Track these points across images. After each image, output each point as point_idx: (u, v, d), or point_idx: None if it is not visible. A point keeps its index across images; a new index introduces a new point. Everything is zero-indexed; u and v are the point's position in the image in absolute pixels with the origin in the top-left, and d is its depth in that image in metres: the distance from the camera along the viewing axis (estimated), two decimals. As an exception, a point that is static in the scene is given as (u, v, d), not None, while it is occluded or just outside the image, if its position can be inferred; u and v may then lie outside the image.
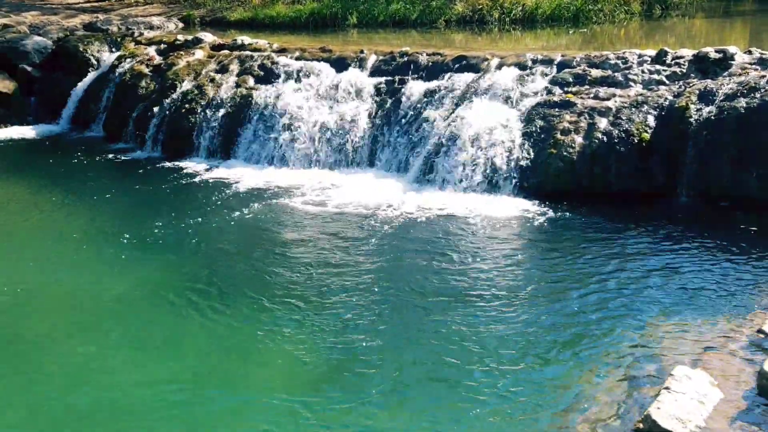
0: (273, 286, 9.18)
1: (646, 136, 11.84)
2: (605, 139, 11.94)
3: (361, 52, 15.22)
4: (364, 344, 7.87)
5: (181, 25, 20.25)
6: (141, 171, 13.89)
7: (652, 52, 13.18)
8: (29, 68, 17.21)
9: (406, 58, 14.64)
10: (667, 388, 6.56)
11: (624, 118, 12.06)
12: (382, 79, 14.38)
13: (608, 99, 12.45)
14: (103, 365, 7.68)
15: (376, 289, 9.08)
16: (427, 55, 14.62)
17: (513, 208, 11.54)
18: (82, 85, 16.88)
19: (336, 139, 13.82)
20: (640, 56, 13.14)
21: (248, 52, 16.03)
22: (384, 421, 6.72)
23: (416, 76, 14.20)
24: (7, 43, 17.53)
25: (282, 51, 15.94)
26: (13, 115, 16.72)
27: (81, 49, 17.37)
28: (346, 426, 6.65)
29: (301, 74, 14.92)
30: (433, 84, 13.81)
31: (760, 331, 7.55)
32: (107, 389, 7.27)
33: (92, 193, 12.74)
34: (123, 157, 14.70)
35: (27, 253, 10.41)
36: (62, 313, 8.75)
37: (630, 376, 7.15)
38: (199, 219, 11.40)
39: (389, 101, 13.88)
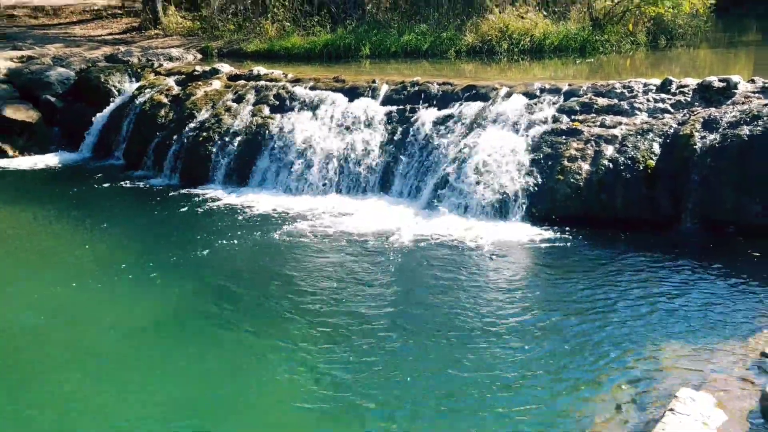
0: (284, 312, 9.18)
1: (652, 163, 11.85)
2: (611, 166, 11.96)
3: (374, 81, 15.30)
4: (372, 370, 7.88)
5: (199, 56, 20.44)
6: (159, 198, 13.97)
7: (657, 81, 13.20)
8: (52, 98, 17.38)
9: (417, 88, 14.70)
10: (671, 409, 6.56)
11: (630, 145, 12.08)
12: (394, 107, 14.44)
13: (614, 127, 12.48)
14: (118, 385, 7.73)
15: (386, 315, 9.08)
16: (438, 84, 14.67)
17: (521, 233, 11.54)
18: (103, 115, 17.00)
19: (349, 166, 13.89)
20: (645, 85, 13.16)
21: (264, 82, 16.14)
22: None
23: (427, 105, 14.24)
24: (31, 75, 17.74)
25: (297, 81, 16.04)
26: (37, 144, 16.87)
27: (102, 80, 17.54)
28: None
29: (315, 104, 15.01)
30: (443, 112, 13.86)
31: (763, 354, 7.54)
32: (122, 409, 7.33)
33: (111, 220, 12.82)
34: (142, 185, 14.78)
35: (47, 277, 10.46)
36: (80, 335, 8.78)
37: (635, 398, 7.15)
38: (215, 245, 11.46)
39: (400, 129, 13.94)
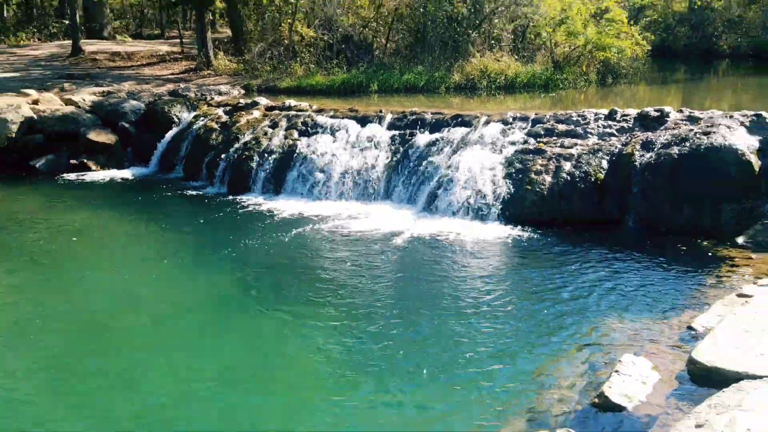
0: (309, 292, 9.22)
1: (601, 176, 11.85)
2: (569, 178, 11.96)
3: (380, 111, 15.30)
4: (379, 340, 7.90)
5: (242, 91, 20.46)
6: (210, 203, 14.00)
7: (605, 111, 13.21)
8: (127, 125, 17.42)
9: (414, 116, 14.69)
10: (617, 371, 6.56)
11: (583, 162, 12.09)
12: (396, 132, 14.43)
13: (571, 147, 12.48)
14: (179, 350, 7.77)
15: (390, 295, 9.14)
16: (431, 113, 14.67)
17: (497, 232, 11.55)
18: (166, 138, 17.00)
19: (360, 178, 13.91)
20: (596, 114, 13.18)
21: (294, 112, 16.15)
22: (394, 394, 6.76)
23: (422, 129, 14.24)
24: (110, 106, 17.79)
25: (320, 111, 16.05)
26: (115, 161, 16.93)
27: (166, 110, 17.58)
28: (365, 399, 6.69)
29: (333, 129, 15.03)
30: (435, 136, 13.84)
31: (689, 327, 7.53)
32: (181, 369, 7.36)
33: (173, 220, 12.88)
34: (197, 193, 14.81)
35: (124, 264, 10.52)
36: (150, 311, 8.84)
37: (588, 363, 7.16)
38: (255, 240, 11.49)
39: (401, 149, 13.95)
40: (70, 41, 27.14)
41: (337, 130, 14.94)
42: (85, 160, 16.69)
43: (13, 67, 23.92)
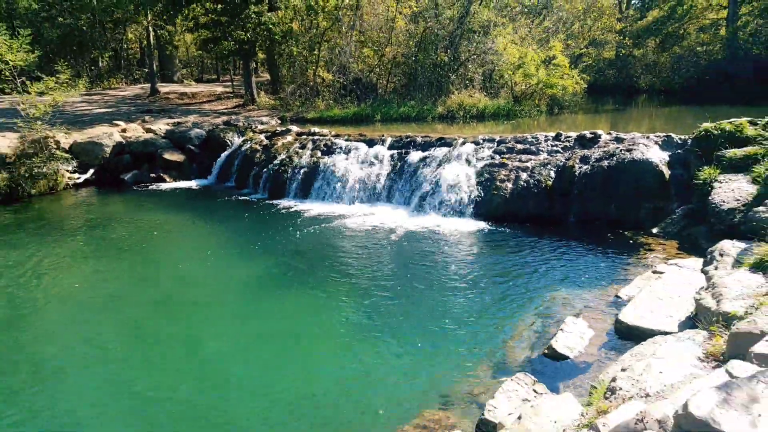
0: (329, 271, 9.24)
1: (550, 183, 11.83)
2: (526, 185, 11.95)
3: (383, 135, 15.25)
4: (382, 307, 7.92)
5: (279, 121, 20.42)
6: (255, 206, 14.01)
7: (553, 134, 13.17)
8: (192, 147, 17.46)
9: (408, 139, 14.64)
10: (561, 330, 6.57)
11: (536, 173, 12.06)
12: (395, 151, 14.40)
13: (527, 161, 12.45)
14: (232, 318, 7.80)
15: (390, 273, 9.14)
16: (421, 137, 14.61)
17: (471, 226, 11.55)
18: (222, 157, 17.05)
19: (368, 186, 13.90)
20: (545, 136, 13.13)
21: (317, 137, 16.14)
22: (394, 348, 6.77)
23: (415, 149, 14.21)
24: (179, 133, 17.84)
25: (337, 135, 16.04)
26: (183, 175, 16.98)
27: (222, 136, 17.61)
28: (371, 350, 6.69)
29: (347, 149, 15.03)
30: (425, 153, 13.80)
31: (616, 296, 7.53)
32: (233, 332, 7.37)
33: (227, 218, 12.89)
34: (245, 198, 14.82)
35: (188, 251, 10.57)
36: (209, 289, 8.86)
37: (539, 325, 7.16)
38: (288, 232, 11.50)
39: (399, 164, 13.93)
40: (149, 84, 27.18)
41: (350, 150, 14.93)
42: (161, 174, 16.73)
43: (107, 104, 23.96)
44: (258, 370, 6.40)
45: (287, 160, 15.33)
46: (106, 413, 5.69)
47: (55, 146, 15.65)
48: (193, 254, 10.43)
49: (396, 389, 5.96)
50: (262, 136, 17.19)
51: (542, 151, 12.72)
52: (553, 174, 11.95)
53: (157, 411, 5.70)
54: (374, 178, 13.92)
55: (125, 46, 34.34)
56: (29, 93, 15.87)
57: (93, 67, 31.87)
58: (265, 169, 15.44)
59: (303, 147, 15.73)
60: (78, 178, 16.03)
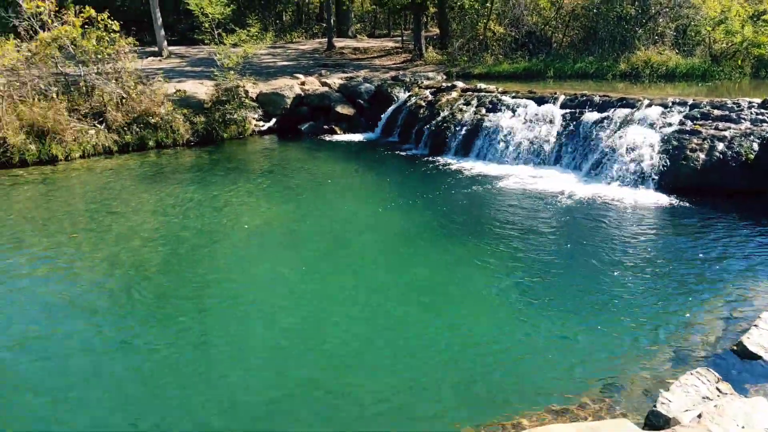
0: (484, 234, 8.88)
1: (752, 156, 10.08)
2: (722, 156, 10.33)
3: (555, 93, 14.20)
4: (541, 280, 7.40)
5: (444, 77, 20.05)
6: (416, 161, 13.98)
7: (758, 100, 11.15)
8: (361, 101, 17.86)
9: (584, 98, 13.42)
10: (756, 325, 5.67)
11: (736, 143, 10.35)
12: (567, 111, 13.29)
13: (725, 130, 10.73)
14: (378, 266, 7.83)
15: (553, 244, 8.51)
16: (599, 96, 13.31)
17: (653, 198, 10.32)
18: (388, 112, 17.21)
19: (534, 147, 13.06)
20: (749, 102, 11.18)
21: (483, 93, 15.51)
22: (556, 323, 6.28)
23: (591, 109, 12.98)
24: (351, 87, 18.32)
25: (504, 92, 15.26)
26: (352, 128, 17.48)
27: (389, 91, 17.74)
28: (533, 322, 6.28)
29: (514, 107, 14.23)
30: (602, 115, 12.54)
31: (840, 297, 6.19)
32: (378, 282, 7.41)
33: (389, 171, 13.04)
34: (407, 153, 14.87)
35: (354, 197, 10.80)
36: (369, 232, 8.97)
37: (728, 317, 6.20)
38: (445, 189, 11.29)
39: (572, 125, 12.84)
40: (326, 39, 28.30)
41: (517, 108, 14.12)
42: (334, 126, 17.42)
43: (288, 57, 25.48)
44: (408, 327, 6.35)
45: (450, 116, 14.98)
46: (276, 334, 6.05)
47: (244, 95, 17.01)
48: (358, 203, 10.68)
49: (556, 367, 5.52)
50: (426, 92, 16.98)
51: (744, 119, 10.86)
52: (756, 146, 10.17)
53: (327, 337, 5.93)
54: (542, 138, 13.02)
55: (306, 1, 36.05)
56: (224, 44, 17.29)
57: (278, 21, 34.02)
58: (427, 126, 15.26)
59: (467, 103, 15.22)
60: (262, 126, 17.30)
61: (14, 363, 5.72)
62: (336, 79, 19.29)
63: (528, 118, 13.68)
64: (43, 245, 8.68)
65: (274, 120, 17.46)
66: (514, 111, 14.10)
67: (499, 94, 15.14)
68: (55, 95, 14.48)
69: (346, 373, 5.50)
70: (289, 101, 17.70)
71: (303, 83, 18.77)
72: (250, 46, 17.44)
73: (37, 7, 14.79)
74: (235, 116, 16.41)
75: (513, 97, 14.69)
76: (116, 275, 7.64)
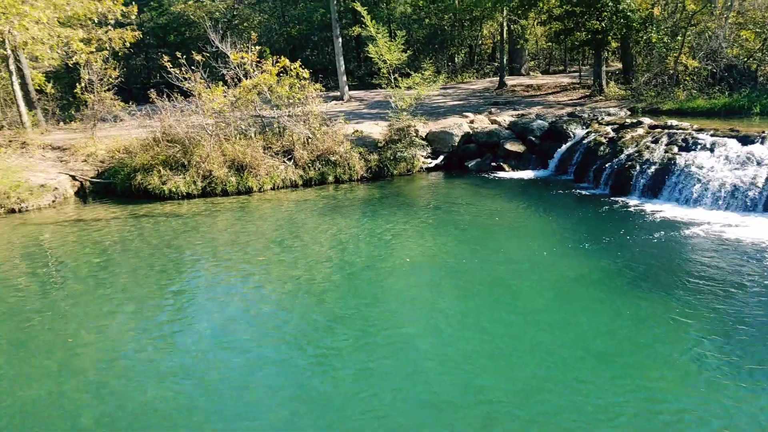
0: (674, 286, 7.90)
1: None
2: None
3: (763, 132, 12.40)
4: (742, 346, 6.33)
5: (628, 113, 18.69)
6: (594, 201, 13.12)
7: None
8: (533, 138, 17.41)
9: (804, 137, 11.54)
10: None
11: None
12: (781, 151, 11.54)
13: None
14: (548, 313, 7.35)
15: (763, 309, 7.28)
16: (825, 134, 11.33)
17: None
18: (563, 149, 16.52)
19: (738, 191, 11.47)
20: None
21: (675, 130, 14.13)
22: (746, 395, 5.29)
23: (813, 150, 11.10)
24: (522, 124, 17.98)
25: (700, 130, 13.75)
26: (522, 165, 17.10)
27: (564, 127, 17.04)
28: (719, 393, 5.38)
29: (711, 146, 12.71)
30: (829, 156, 10.65)
31: None
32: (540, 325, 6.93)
33: (562, 210, 12.39)
34: (583, 192, 14.04)
35: (523, 237, 10.41)
36: (539, 277, 8.53)
37: None
38: (629, 234, 10.36)
39: (787, 167, 11.09)
40: (497, 77, 28.32)
41: (716, 147, 12.61)
42: (501, 163, 17.20)
43: (459, 97, 25.96)
44: (582, 379, 5.83)
45: (636, 154, 13.86)
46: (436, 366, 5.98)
47: (414, 134, 17.66)
48: (528, 242, 10.30)
49: None
50: (608, 128, 15.98)
51: None
52: None
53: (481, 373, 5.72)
54: (748, 181, 11.42)
55: (479, 42, 36.60)
56: (399, 87, 18.21)
57: (450, 63, 34.97)
58: (608, 164, 14.30)
59: (656, 141, 13.97)
60: (430, 163, 17.74)
61: (225, 361, 6.43)
62: (506, 117, 19.11)
63: (730, 158, 12.12)
64: (238, 264, 9.76)
65: (441, 157, 17.79)
66: (712, 150, 12.61)
67: (693, 132, 13.70)
68: (253, 135, 16.46)
69: (508, 421, 5.21)
70: (457, 139, 17.92)
71: (472, 121, 18.91)
72: (423, 88, 18.12)
73: (242, 58, 17.02)
74: (405, 154, 17.06)
75: (711, 135, 13.17)
76: (295, 296, 8.30)
